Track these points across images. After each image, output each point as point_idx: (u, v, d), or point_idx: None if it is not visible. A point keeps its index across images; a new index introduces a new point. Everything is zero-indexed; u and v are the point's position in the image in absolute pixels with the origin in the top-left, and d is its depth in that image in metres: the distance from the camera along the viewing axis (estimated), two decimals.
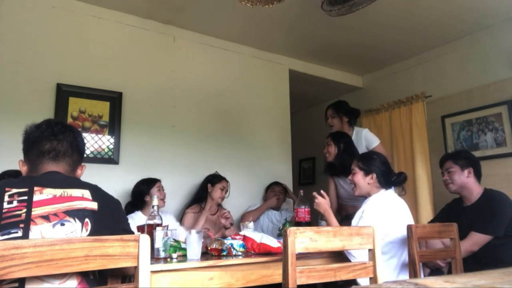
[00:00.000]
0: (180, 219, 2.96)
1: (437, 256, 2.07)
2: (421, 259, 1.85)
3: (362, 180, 2.11)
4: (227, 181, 3.06)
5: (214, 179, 3.02)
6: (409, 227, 1.83)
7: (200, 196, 3.02)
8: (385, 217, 1.94)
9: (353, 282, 1.41)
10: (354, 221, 1.99)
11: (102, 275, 1.16)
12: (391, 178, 2.14)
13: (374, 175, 2.08)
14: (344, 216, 2.86)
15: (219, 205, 3.04)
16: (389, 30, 3.46)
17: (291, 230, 1.21)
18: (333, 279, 1.27)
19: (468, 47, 3.58)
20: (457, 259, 1.97)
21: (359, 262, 1.36)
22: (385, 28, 3.42)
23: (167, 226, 2.62)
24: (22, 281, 1.00)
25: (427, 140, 3.79)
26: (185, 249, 1.84)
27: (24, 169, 1.30)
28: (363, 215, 1.95)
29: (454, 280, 0.50)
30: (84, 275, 1.09)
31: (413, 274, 1.77)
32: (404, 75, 4.15)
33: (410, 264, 1.80)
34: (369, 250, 1.38)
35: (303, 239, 1.23)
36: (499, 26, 3.36)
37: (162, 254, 1.72)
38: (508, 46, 3.29)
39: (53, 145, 1.28)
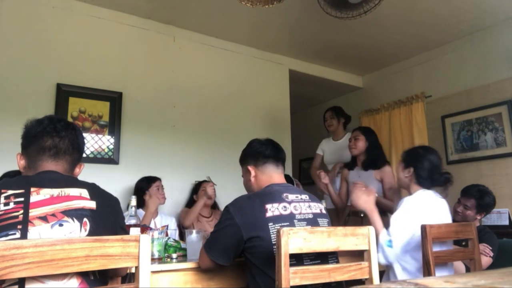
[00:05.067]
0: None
1: (453, 257, 1.93)
2: (437, 260, 1.75)
3: (400, 172, 2.05)
4: (207, 181, 3.05)
5: (197, 187, 3.05)
6: (423, 227, 1.74)
7: (192, 204, 3.04)
8: (416, 221, 1.85)
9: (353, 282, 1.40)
10: (392, 220, 1.92)
11: (103, 276, 1.16)
12: (434, 178, 1.99)
13: (412, 170, 1.99)
14: (352, 212, 2.81)
15: (214, 208, 3.04)
16: (389, 30, 3.47)
17: (284, 231, 1.21)
18: (327, 280, 1.26)
19: (468, 47, 3.58)
20: (476, 260, 1.90)
21: (355, 263, 1.35)
22: (385, 28, 3.42)
23: (167, 226, 2.63)
24: (22, 282, 0.99)
25: (427, 140, 3.79)
26: (185, 249, 1.84)
27: (21, 163, 1.27)
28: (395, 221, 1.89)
29: (454, 280, 0.50)
30: (84, 276, 1.08)
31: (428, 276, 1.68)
32: (404, 75, 4.15)
33: (424, 265, 1.72)
34: (365, 251, 1.37)
35: (296, 240, 1.22)
36: (499, 26, 3.36)
37: (156, 255, 1.73)
38: (508, 46, 3.29)
39: (55, 142, 1.25)
